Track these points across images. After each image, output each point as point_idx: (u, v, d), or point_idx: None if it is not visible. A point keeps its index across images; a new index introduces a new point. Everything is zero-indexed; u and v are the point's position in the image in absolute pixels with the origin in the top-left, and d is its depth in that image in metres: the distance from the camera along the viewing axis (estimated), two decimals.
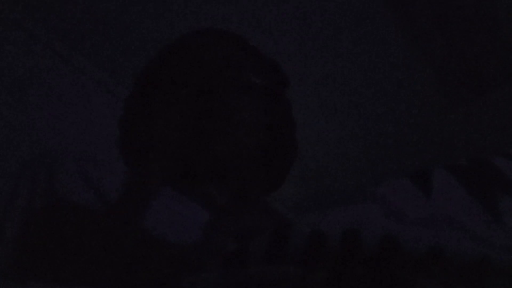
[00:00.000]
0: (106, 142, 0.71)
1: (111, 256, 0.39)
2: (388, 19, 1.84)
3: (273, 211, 0.70)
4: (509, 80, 1.98)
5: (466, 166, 0.43)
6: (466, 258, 0.36)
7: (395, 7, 1.78)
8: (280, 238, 0.39)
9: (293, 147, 0.75)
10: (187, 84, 0.69)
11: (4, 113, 1.22)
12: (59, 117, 1.42)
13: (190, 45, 0.74)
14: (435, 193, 0.41)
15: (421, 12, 1.84)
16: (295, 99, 0.76)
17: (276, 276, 0.37)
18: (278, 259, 0.38)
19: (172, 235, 0.49)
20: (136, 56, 0.78)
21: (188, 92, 0.69)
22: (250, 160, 0.69)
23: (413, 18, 1.85)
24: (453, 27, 1.90)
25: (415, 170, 0.42)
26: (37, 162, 0.43)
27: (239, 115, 0.68)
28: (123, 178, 0.45)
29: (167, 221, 0.47)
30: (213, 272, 0.38)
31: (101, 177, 0.48)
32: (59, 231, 0.39)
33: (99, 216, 0.40)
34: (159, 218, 0.45)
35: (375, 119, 1.91)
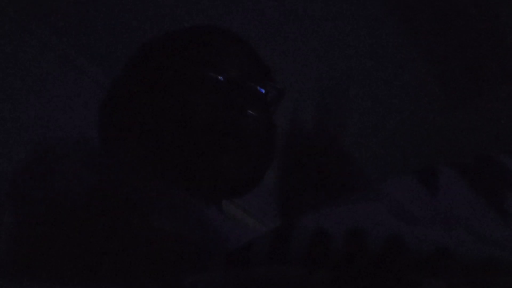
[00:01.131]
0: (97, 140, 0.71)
1: (107, 254, 0.38)
2: (389, 20, 1.84)
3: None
4: (510, 79, 1.97)
5: (472, 164, 0.42)
6: (473, 259, 0.36)
7: (397, 7, 1.78)
8: (282, 238, 0.38)
9: (273, 150, 0.74)
10: (195, 82, 0.67)
11: None
12: (52, 115, 1.42)
13: (195, 37, 0.71)
14: (441, 192, 0.40)
15: (422, 12, 1.84)
16: (297, 97, 0.75)
17: (278, 277, 0.37)
18: (280, 259, 0.37)
19: (171, 227, 0.48)
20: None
21: (196, 92, 0.67)
22: (247, 168, 0.68)
23: (415, 19, 1.85)
24: (454, 27, 1.89)
25: (421, 167, 0.42)
26: (30, 162, 0.42)
27: (249, 126, 0.66)
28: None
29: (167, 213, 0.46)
30: (214, 272, 0.37)
31: (95, 175, 0.47)
32: (53, 229, 0.39)
33: (94, 213, 0.39)
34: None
35: (377, 116, 1.91)
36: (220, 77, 0.67)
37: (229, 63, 0.70)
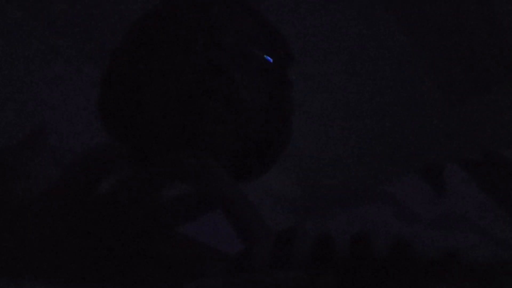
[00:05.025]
0: (87, 133, 0.70)
1: (103, 254, 0.37)
2: (389, 20, 1.83)
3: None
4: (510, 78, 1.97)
5: (478, 161, 0.41)
6: (482, 261, 0.35)
7: (396, 6, 1.78)
8: (285, 241, 0.37)
9: (287, 130, 0.71)
10: (185, 48, 0.65)
11: None
12: (49, 115, 1.41)
13: (191, 3, 0.69)
14: (448, 191, 0.39)
15: (422, 12, 1.83)
16: (298, 98, 0.74)
17: (280, 281, 0.36)
18: (283, 263, 0.36)
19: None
20: None
21: (185, 58, 0.65)
22: (243, 143, 0.66)
23: (414, 19, 1.85)
24: (454, 27, 1.89)
25: (426, 166, 0.41)
26: (14, 153, 0.41)
27: (240, 94, 0.64)
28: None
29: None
30: (215, 277, 0.36)
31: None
32: (41, 225, 0.37)
33: (86, 209, 0.38)
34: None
35: (380, 114, 1.91)
36: (211, 42, 0.65)
37: (228, 27, 0.67)
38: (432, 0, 1.82)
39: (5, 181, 0.39)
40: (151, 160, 0.38)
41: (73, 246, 0.37)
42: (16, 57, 1.60)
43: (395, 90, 1.99)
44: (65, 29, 1.73)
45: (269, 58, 0.67)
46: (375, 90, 1.94)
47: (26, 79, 1.59)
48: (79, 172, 0.37)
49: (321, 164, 1.91)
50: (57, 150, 0.48)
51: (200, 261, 0.42)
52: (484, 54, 1.95)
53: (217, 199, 0.38)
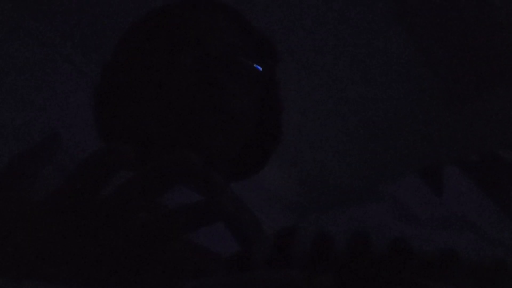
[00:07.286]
0: (88, 136, 0.70)
1: (105, 253, 0.37)
2: (390, 20, 1.83)
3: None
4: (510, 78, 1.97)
5: (478, 162, 0.41)
6: (481, 261, 0.35)
7: (397, 7, 1.78)
8: (285, 241, 0.37)
9: (278, 129, 0.73)
10: (175, 61, 0.66)
11: None
12: (49, 114, 1.41)
13: (178, 13, 0.70)
14: (447, 192, 0.39)
15: (422, 12, 1.83)
16: (298, 98, 0.74)
17: (279, 280, 0.36)
18: (282, 262, 0.37)
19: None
20: None
21: (175, 71, 0.66)
22: (237, 146, 0.67)
23: (415, 19, 1.85)
24: (454, 27, 1.89)
25: (425, 167, 0.41)
26: (20, 159, 0.41)
27: (232, 102, 0.65)
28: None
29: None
30: (215, 276, 0.36)
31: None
32: (46, 227, 0.38)
33: (90, 211, 0.38)
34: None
35: (380, 116, 1.91)
36: (199, 53, 0.66)
37: (215, 37, 0.68)
38: (433, 1, 1.82)
39: (13, 186, 0.39)
40: (157, 158, 0.38)
41: (76, 248, 0.37)
42: (17, 59, 1.60)
43: (395, 91, 1.99)
44: (67, 30, 1.73)
45: (258, 66, 0.69)
46: (375, 92, 1.94)
47: (27, 81, 1.60)
48: (84, 174, 0.37)
49: (321, 164, 1.91)
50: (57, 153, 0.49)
51: (200, 262, 0.42)
52: (484, 54, 1.95)
53: (217, 209, 0.38)
